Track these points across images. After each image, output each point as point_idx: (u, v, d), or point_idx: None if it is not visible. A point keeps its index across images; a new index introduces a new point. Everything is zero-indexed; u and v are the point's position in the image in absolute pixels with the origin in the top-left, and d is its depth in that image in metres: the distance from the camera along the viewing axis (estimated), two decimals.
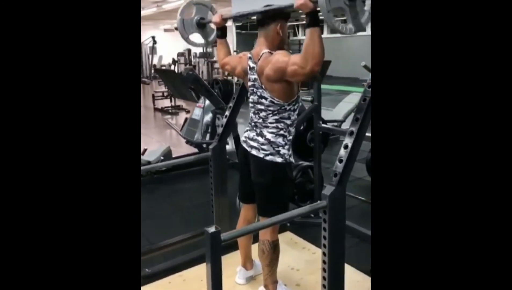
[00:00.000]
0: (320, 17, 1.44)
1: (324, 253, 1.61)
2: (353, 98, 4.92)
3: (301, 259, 2.38)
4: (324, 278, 1.65)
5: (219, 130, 2.30)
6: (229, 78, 5.10)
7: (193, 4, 2.18)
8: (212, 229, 1.25)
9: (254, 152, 1.79)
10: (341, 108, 4.89)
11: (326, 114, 4.45)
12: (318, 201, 1.55)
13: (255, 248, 2.07)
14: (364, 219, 2.54)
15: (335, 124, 4.21)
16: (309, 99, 2.80)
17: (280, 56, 1.65)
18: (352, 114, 5.02)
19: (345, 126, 4.52)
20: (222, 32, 2.01)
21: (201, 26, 2.21)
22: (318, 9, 1.41)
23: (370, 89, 1.57)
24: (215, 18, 1.97)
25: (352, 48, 12.09)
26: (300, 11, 1.51)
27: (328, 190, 1.54)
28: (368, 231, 2.41)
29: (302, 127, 2.90)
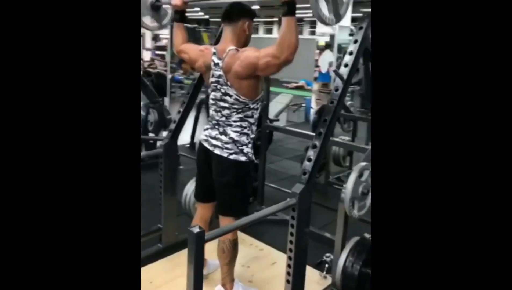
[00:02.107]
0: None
1: (290, 249, 1.65)
2: (283, 99, 5.09)
3: (250, 255, 2.42)
4: (288, 273, 1.68)
5: (172, 126, 2.22)
6: (163, 71, 4.95)
7: None
8: (196, 229, 1.21)
9: (217, 151, 1.76)
10: (272, 108, 5.03)
11: None
12: (288, 199, 1.59)
13: (207, 246, 2.05)
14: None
15: None
16: None
17: (250, 52, 1.65)
18: (283, 114, 5.16)
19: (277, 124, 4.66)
20: (181, 16, 1.95)
21: (155, 8, 2.11)
22: None
23: (337, 92, 1.65)
24: (176, 0, 1.90)
25: None
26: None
27: (297, 188, 1.58)
28: None
29: None
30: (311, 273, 2.25)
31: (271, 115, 4.83)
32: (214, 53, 1.75)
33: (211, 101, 1.82)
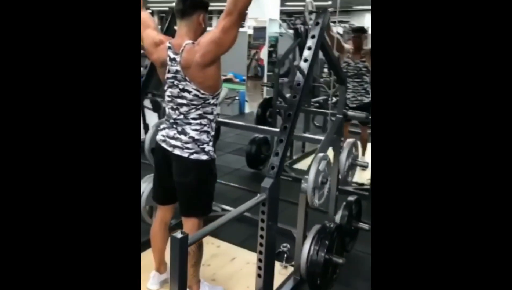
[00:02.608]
0: None
1: (261, 244, 1.66)
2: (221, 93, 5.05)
3: (208, 254, 2.38)
4: (259, 268, 1.70)
5: None
6: None
7: None
8: (179, 235, 1.16)
9: (177, 151, 1.70)
10: None
11: None
12: (258, 195, 1.59)
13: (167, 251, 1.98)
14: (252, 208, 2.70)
15: None
16: None
17: (203, 38, 1.61)
18: (218, 107, 5.13)
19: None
20: None
21: None
22: None
23: (299, 87, 1.69)
24: None
25: None
26: None
27: (267, 182, 1.59)
28: (255, 216, 2.49)
29: None
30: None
31: None
32: (170, 48, 1.67)
33: (167, 98, 1.74)
